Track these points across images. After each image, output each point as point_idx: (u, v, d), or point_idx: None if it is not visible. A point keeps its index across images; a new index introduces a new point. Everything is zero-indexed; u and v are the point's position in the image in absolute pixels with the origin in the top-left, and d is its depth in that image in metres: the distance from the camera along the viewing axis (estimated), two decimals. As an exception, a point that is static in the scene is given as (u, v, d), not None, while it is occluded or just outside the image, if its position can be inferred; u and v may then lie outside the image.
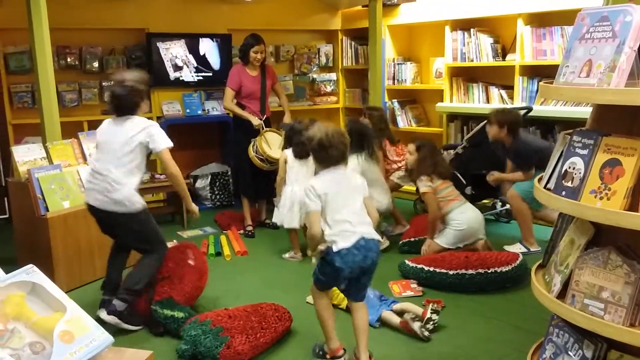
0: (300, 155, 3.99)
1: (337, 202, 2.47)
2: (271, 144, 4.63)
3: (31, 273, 1.33)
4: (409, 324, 2.90)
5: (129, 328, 3.00)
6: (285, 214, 4.01)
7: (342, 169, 2.55)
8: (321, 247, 2.49)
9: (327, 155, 2.50)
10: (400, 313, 3.05)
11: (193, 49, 5.59)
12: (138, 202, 3.05)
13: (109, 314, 2.96)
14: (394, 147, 4.68)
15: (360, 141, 4.05)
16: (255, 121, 4.60)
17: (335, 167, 2.52)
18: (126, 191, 3.00)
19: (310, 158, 3.89)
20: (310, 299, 3.17)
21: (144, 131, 3.00)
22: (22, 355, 1.22)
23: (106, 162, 3.03)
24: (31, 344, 1.24)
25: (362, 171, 3.97)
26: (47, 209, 3.55)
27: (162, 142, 3.04)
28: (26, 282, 1.32)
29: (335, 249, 2.42)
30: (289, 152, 4.06)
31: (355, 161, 4.01)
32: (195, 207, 3.29)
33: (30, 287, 1.33)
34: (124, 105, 3.04)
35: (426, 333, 2.87)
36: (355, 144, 3.99)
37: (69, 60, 5.22)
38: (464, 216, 3.88)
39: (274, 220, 4.21)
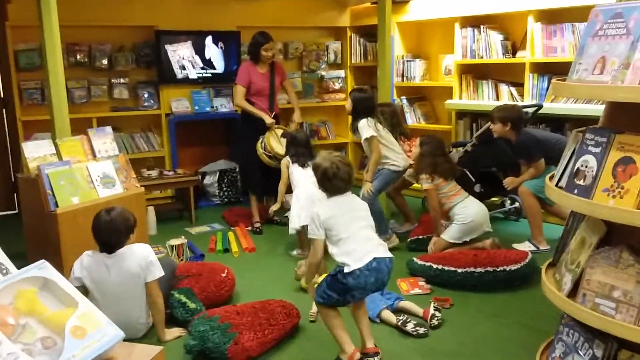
0: (300, 163, 4.07)
1: (343, 225, 2.50)
2: (280, 140, 4.63)
3: (43, 268, 1.34)
4: (402, 327, 2.92)
5: None
6: (293, 217, 3.98)
7: (346, 196, 2.59)
8: (317, 279, 2.57)
9: (331, 185, 2.55)
10: (401, 311, 3.07)
11: (201, 46, 5.59)
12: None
13: None
14: (407, 142, 4.66)
15: (366, 108, 4.11)
16: (268, 119, 4.60)
17: (340, 195, 2.56)
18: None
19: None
20: (314, 309, 3.16)
21: (145, 265, 2.80)
22: (34, 350, 1.23)
23: (126, 314, 2.78)
24: (43, 338, 1.25)
25: (374, 131, 4.04)
26: (56, 205, 3.56)
27: (157, 271, 2.83)
28: (38, 277, 1.33)
29: (347, 270, 2.44)
30: (290, 162, 4.14)
31: (364, 122, 4.04)
32: (167, 337, 2.90)
33: (42, 283, 1.34)
34: (116, 242, 2.83)
35: (421, 330, 2.88)
36: (360, 111, 4.11)
37: (78, 57, 5.23)
38: (468, 210, 3.88)
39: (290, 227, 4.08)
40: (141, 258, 2.79)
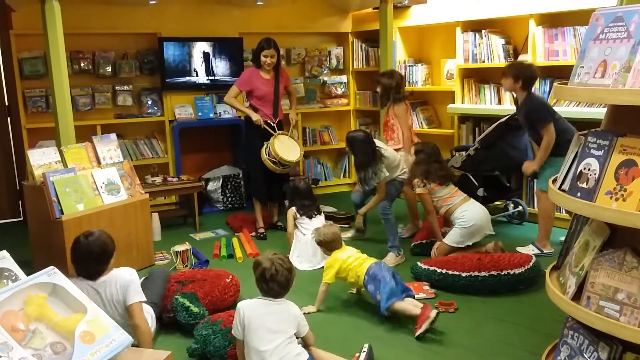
0: (308, 215, 4.18)
1: (260, 337, 2.37)
2: (284, 146, 4.64)
3: (52, 275, 1.35)
4: (426, 312, 2.86)
5: None
6: (310, 260, 4.03)
7: (279, 304, 2.47)
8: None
9: (266, 287, 2.45)
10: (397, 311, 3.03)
11: (204, 53, 5.63)
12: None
13: None
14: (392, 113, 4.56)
15: (368, 151, 4.03)
16: (255, 116, 4.63)
17: (272, 300, 2.46)
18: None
19: (318, 218, 4.17)
20: (307, 309, 3.22)
21: (125, 288, 2.69)
22: (44, 355, 1.24)
23: None
24: (52, 344, 1.27)
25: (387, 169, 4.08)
26: (61, 212, 3.59)
27: (137, 295, 2.70)
28: (47, 283, 1.35)
29: None
30: (296, 212, 4.22)
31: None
32: None
33: (51, 289, 1.35)
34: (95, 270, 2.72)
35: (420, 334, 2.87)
36: (366, 157, 4.02)
37: (82, 65, 5.27)
38: (468, 214, 3.89)
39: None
40: (122, 282, 2.68)
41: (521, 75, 3.87)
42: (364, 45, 6.30)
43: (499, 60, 5.02)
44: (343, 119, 6.58)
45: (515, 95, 4.08)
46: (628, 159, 1.75)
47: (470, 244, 3.91)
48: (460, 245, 3.89)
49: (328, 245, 3.34)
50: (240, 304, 2.47)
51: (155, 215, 4.71)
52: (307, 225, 4.13)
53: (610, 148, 1.81)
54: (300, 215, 4.18)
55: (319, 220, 4.16)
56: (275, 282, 2.43)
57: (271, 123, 4.69)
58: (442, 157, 4.21)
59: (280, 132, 4.70)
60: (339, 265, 3.24)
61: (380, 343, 2.82)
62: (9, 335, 1.20)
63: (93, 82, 5.37)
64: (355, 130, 4.35)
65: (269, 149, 4.56)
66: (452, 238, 3.91)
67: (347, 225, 4.98)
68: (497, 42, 5.03)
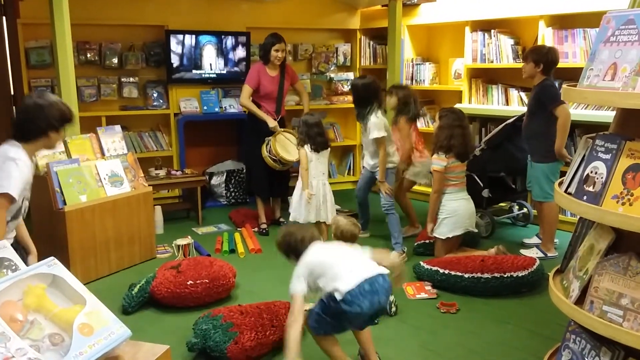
0: (317, 148, 4.03)
1: (329, 253, 2.51)
2: (285, 144, 4.63)
3: (52, 265, 1.34)
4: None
5: None
6: (303, 210, 4.04)
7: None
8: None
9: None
10: None
11: (211, 47, 5.61)
12: None
13: None
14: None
15: (371, 93, 4.14)
16: (271, 122, 4.61)
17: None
18: None
19: (325, 151, 4.06)
20: (310, 306, 3.20)
21: None
22: (42, 347, 1.23)
23: None
24: (51, 335, 1.26)
25: (385, 130, 4.08)
26: (64, 203, 3.59)
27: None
28: (47, 274, 1.34)
29: (339, 296, 2.31)
30: (307, 147, 4.06)
31: (377, 122, 4.04)
32: None
33: (51, 280, 1.35)
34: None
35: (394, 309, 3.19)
36: (366, 97, 4.13)
37: (88, 55, 5.26)
38: (451, 204, 3.87)
39: (291, 216, 4.13)
40: None
41: (542, 59, 3.85)
42: (371, 43, 6.28)
43: (508, 61, 4.99)
44: (349, 116, 6.55)
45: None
46: (636, 163, 1.73)
47: (450, 236, 3.86)
48: (442, 237, 3.86)
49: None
50: (300, 263, 2.53)
51: (158, 208, 4.71)
52: (314, 162, 4.04)
53: (618, 152, 1.78)
54: (312, 150, 4.02)
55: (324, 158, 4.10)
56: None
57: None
58: (468, 124, 4.05)
59: (282, 129, 4.69)
60: None
61: (381, 342, 2.81)
62: (7, 326, 1.19)
63: (99, 73, 5.37)
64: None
65: (270, 147, 4.55)
66: (439, 230, 3.89)
67: (350, 223, 4.97)
68: (506, 42, 5.00)
